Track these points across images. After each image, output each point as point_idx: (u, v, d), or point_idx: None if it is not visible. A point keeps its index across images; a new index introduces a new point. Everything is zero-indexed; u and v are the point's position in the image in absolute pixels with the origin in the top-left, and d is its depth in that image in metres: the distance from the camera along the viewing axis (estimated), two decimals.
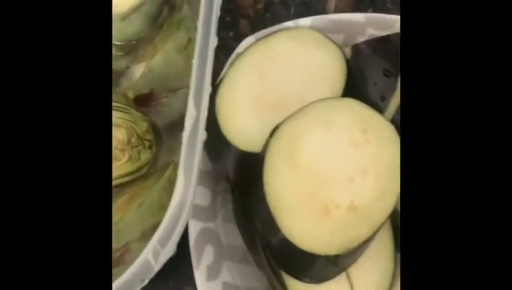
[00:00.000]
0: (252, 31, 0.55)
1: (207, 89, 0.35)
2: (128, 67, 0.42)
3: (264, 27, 0.53)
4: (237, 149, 0.40)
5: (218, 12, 0.37)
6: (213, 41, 0.37)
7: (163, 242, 0.31)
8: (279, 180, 0.36)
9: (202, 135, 0.35)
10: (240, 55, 0.43)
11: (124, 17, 0.39)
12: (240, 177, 0.41)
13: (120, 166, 0.38)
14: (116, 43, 0.42)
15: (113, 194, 0.39)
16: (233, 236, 0.43)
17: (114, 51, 0.42)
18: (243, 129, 0.40)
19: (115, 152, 0.38)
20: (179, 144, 0.42)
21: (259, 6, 0.55)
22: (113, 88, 0.41)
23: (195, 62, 0.35)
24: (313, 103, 0.38)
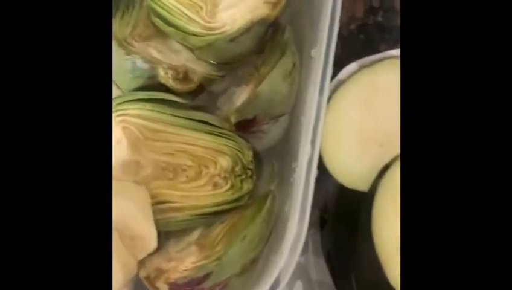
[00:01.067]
0: (344, 51, 0.53)
1: (321, 124, 0.34)
2: (227, 89, 0.41)
3: (357, 48, 0.51)
4: (338, 183, 0.38)
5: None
6: (330, 72, 0.35)
7: (275, 285, 0.30)
8: (388, 223, 0.35)
9: (315, 172, 0.33)
10: (342, 82, 0.41)
11: (233, 38, 0.38)
12: (338, 212, 0.40)
13: (220, 194, 0.37)
14: (214, 62, 0.41)
15: (211, 221, 0.38)
16: (322, 271, 0.41)
17: (213, 71, 0.40)
18: (347, 165, 0.38)
19: (216, 179, 0.37)
20: (275, 172, 0.41)
21: (352, 26, 0.53)
22: (213, 110, 0.40)
23: (315, 96, 0.33)
24: None
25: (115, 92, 0.40)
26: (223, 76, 0.41)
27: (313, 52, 0.36)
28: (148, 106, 0.37)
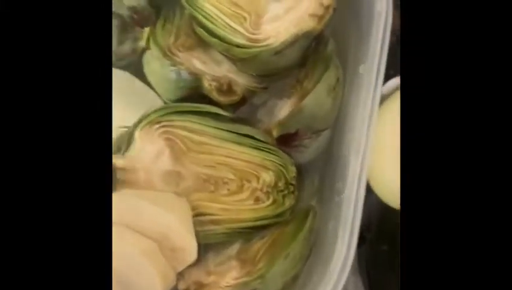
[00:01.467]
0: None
1: (370, 144, 0.33)
2: (267, 101, 0.41)
3: (396, 61, 0.50)
4: (382, 202, 0.38)
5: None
6: (380, 90, 0.34)
7: None
8: None
9: (363, 193, 0.33)
10: (386, 97, 0.41)
11: (278, 51, 0.37)
12: (380, 230, 0.39)
13: (262, 209, 0.37)
14: (255, 74, 0.40)
15: (250, 236, 0.37)
16: None
17: (255, 83, 0.40)
18: (391, 184, 0.37)
19: (258, 193, 0.37)
20: (316, 187, 0.40)
21: (392, 39, 0.52)
22: (254, 122, 0.39)
23: (365, 114, 0.33)
24: None
25: (157, 102, 0.39)
26: (265, 88, 0.40)
27: (362, 69, 0.35)
28: (194, 118, 0.37)
